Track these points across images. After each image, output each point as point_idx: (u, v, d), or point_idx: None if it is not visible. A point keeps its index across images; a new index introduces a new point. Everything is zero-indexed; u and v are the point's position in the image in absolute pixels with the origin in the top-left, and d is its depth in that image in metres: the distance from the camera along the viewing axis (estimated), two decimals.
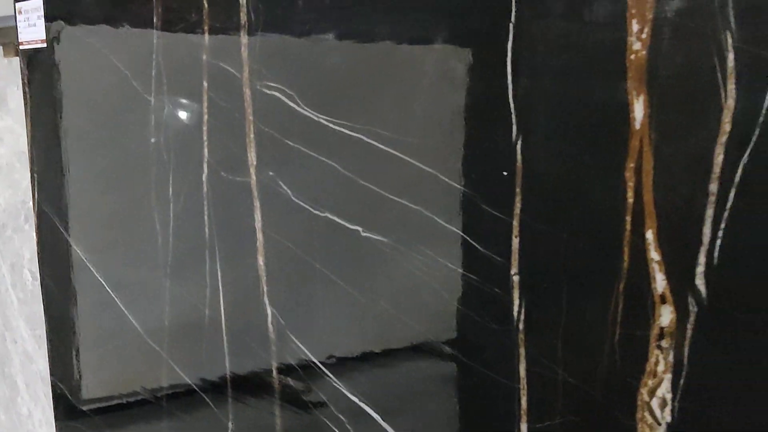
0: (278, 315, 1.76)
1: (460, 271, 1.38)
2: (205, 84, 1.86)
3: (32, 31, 2.48)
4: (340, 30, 1.56)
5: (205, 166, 1.90)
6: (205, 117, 1.88)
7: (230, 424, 1.92)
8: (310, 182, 1.66)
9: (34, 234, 3.09)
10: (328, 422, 1.65)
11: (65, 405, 2.55)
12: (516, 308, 1.31)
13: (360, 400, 1.58)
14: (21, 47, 2.54)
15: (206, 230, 1.92)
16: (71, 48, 2.33)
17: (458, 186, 1.37)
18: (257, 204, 1.77)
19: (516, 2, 1.26)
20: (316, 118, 1.61)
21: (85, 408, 2.47)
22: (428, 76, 1.41)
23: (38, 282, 3.29)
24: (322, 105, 1.61)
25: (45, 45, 2.41)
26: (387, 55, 1.48)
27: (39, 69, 2.50)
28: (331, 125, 1.59)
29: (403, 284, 1.49)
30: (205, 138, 1.89)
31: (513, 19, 1.27)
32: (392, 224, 1.50)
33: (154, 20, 1.99)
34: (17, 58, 3.16)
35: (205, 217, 1.92)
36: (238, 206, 1.82)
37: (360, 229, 1.55)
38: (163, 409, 2.12)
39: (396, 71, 1.47)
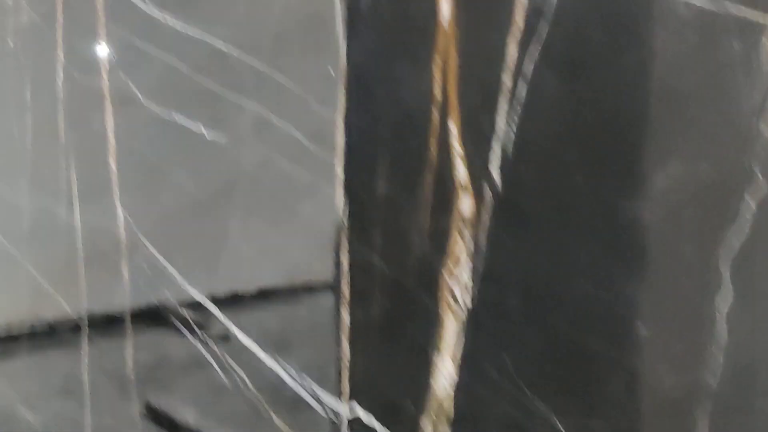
0: (133, 224, 1.78)
1: (290, 163, 1.44)
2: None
3: None
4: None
5: (60, 70, 1.89)
6: (61, 19, 1.87)
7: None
8: (158, 84, 1.68)
9: None
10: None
11: None
12: (341, 203, 1.37)
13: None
14: None
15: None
16: None
17: (291, 85, 1.42)
18: (109, 107, 1.78)
19: None
20: (162, 20, 1.63)
21: None
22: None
23: None
24: (170, 4, 1.62)
25: None
26: None
27: None
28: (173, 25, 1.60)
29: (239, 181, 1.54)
30: (60, 42, 1.88)
31: None
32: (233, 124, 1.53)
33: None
34: None
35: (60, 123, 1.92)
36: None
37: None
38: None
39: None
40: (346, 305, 1.38)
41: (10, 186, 2.12)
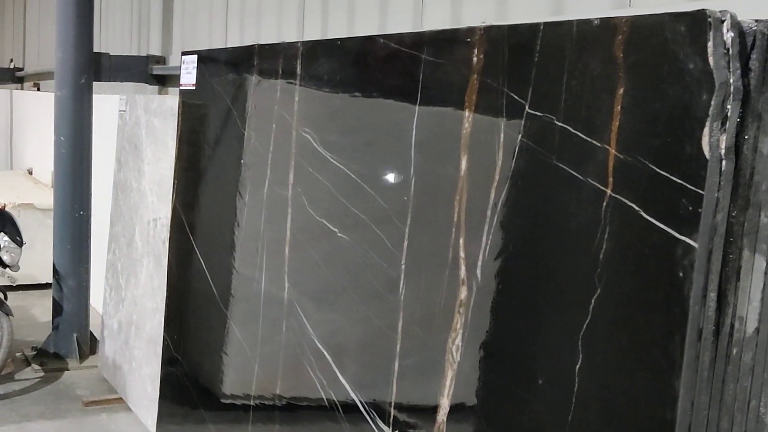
0: (292, 290, 2.54)
1: (375, 257, 2.11)
2: (274, 126, 2.71)
3: (189, 77, 3.45)
4: (344, 97, 2.35)
5: (266, 182, 2.74)
6: (270, 147, 2.72)
7: (256, 368, 2.72)
8: (317, 197, 2.44)
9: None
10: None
11: (168, 353, 3.46)
12: (401, 286, 2.02)
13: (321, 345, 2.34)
14: (180, 88, 3.52)
15: (261, 227, 2.75)
16: (206, 90, 3.27)
17: (385, 205, 2.11)
18: (289, 211, 2.58)
19: (420, 92, 2.00)
20: (323, 154, 2.40)
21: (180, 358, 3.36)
22: (376, 132, 2.17)
23: None
24: (327, 146, 2.40)
25: (194, 88, 3.38)
26: (360, 117, 2.25)
27: (187, 106, 3.47)
28: (331, 159, 2.37)
29: (353, 266, 2.24)
30: (269, 162, 2.73)
31: (419, 100, 2.00)
32: (354, 228, 2.25)
33: (253, 77, 2.87)
34: None
35: (262, 219, 2.75)
36: (280, 212, 2.63)
37: (337, 230, 2.32)
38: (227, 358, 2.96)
39: (362, 127, 2.23)
40: (397, 357, 2.01)
41: (228, 256, 2.98)
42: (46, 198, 6.39)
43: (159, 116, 4.26)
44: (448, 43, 1.91)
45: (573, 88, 1.56)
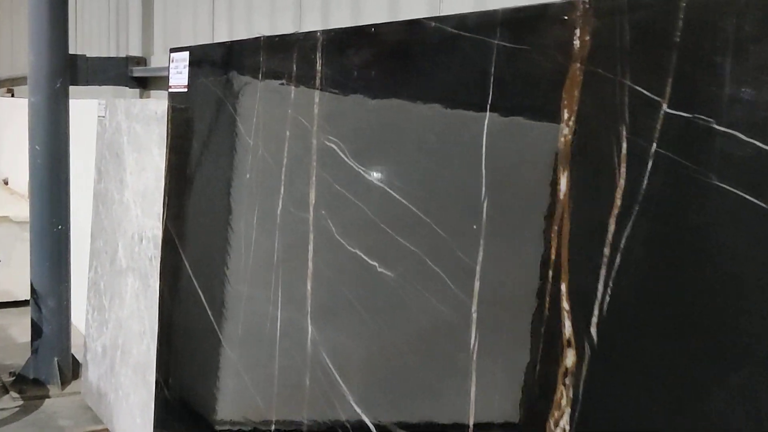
0: (316, 334, 2.07)
1: (437, 305, 1.65)
2: (288, 133, 2.24)
3: (179, 77, 2.98)
4: (380, 98, 1.88)
5: (279, 202, 2.26)
6: (285, 161, 2.25)
7: (273, 422, 2.25)
8: (348, 222, 1.97)
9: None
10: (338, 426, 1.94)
11: (162, 397, 2.98)
12: (473, 341, 1.56)
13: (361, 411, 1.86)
14: (169, 90, 3.04)
15: (275, 255, 2.28)
16: (201, 93, 2.79)
17: (444, 234, 1.64)
18: (311, 237, 2.10)
19: (492, 89, 1.54)
20: (356, 168, 1.93)
21: (175, 403, 2.88)
22: (431, 143, 1.70)
23: None
24: (360, 157, 1.93)
25: (186, 89, 2.90)
26: (407, 123, 1.78)
27: (178, 110, 2.99)
28: (365, 175, 1.90)
29: (402, 312, 1.77)
30: (283, 178, 2.26)
31: (490, 100, 1.54)
32: (398, 262, 1.78)
33: (259, 76, 2.40)
34: None
35: (275, 245, 2.28)
36: (299, 238, 2.16)
37: (377, 264, 1.85)
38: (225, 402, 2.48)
39: (411, 136, 1.77)
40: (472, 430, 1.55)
41: (234, 288, 2.50)
42: (23, 210, 6.09)
43: (142, 122, 3.92)
44: (533, 22, 1.45)
45: (742, 77, 1.10)
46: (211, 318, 2.63)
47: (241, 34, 3.81)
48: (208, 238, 2.71)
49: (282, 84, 2.28)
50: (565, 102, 1.37)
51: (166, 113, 3.07)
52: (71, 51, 5.04)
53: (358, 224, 1.92)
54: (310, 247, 2.10)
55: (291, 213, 2.21)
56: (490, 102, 1.54)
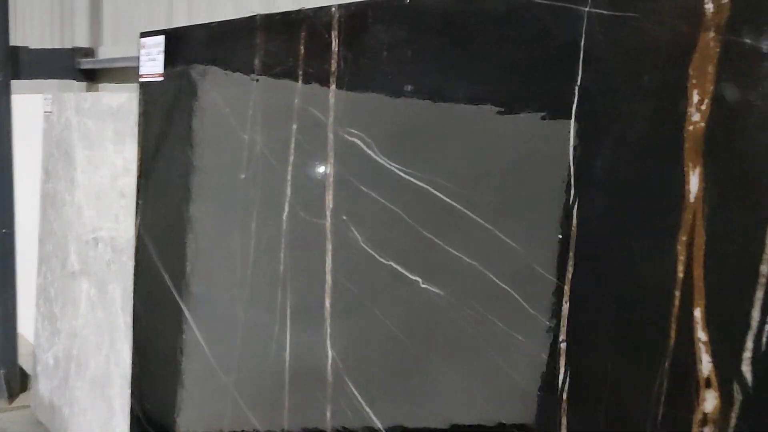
0: (338, 359, 1.77)
1: (509, 330, 1.36)
2: (294, 126, 1.92)
3: (152, 65, 2.63)
4: (417, 82, 1.58)
5: (286, 205, 1.95)
6: (291, 158, 1.94)
7: None
8: (378, 229, 1.67)
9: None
10: None
11: (140, 429, 2.64)
12: (561, 377, 1.27)
13: None
14: (141, 79, 2.70)
15: (281, 267, 1.96)
16: (181, 82, 2.45)
17: (513, 244, 1.36)
18: (329, 247, 1.80)
19: (582, 67, 1.25)
20: (388, 166, 1.63)
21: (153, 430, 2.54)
22: (493, 134, 1.41)
23: None
24: (394, 153, 1.63)
25: (162, 78, 2.55)
26: (458, 111, 1.49)
27: (153, 101, 2.64)
28: (401, 173, 1.60)
29: (453, 338, 1.48)
30: (289, 178, 1.94)
31: (579, 82, 1.26)
32: (448, 277, 1.49)
33: (255, 62, 2.08)
34: None
35: (281, 255, 1.96)
36: (312, 247, 1.85)
37: (420, 279, 1.55)
38: None
39: (465, 127, 1.47)
40: None
41: (228, 305, 2.18)
42: None
43: (94, 117, 3.66)
44: None
45: None
46: (200, 340, 2.30)
47: (201, 17, 3.47)
48: (193, 248, 2.38)
49: (285, 69, 1.96)
50: (694, 81, 1.09)
51: (138, 106, 2.73)
52: (12, 43, 4.77)
53: (392, 231, 1.63)
54: (328, 259, 1.80)
55: (301, 219, 1.90)
56: (579, 84, 1.25)
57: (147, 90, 2.67)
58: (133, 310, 2.75)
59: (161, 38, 2.58)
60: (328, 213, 1.80)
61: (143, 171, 2.70)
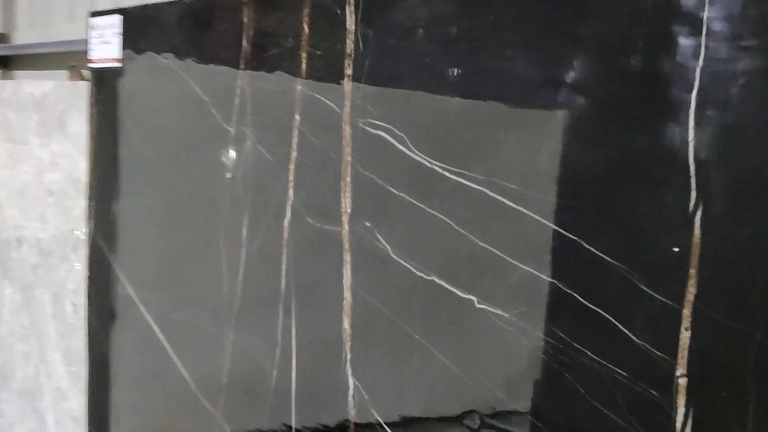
0: (362, 389, 1.51)
1: (605, 363, 1.13)
2: (297, 117, 1.66)
3: (106, 49, 2.31)
4: (466, 65, 1.34)
5: (288, 209, 1.68)
6: (294, 154, 1.67)
7: None
8: (415, 238, 1.42)
9: (81, 266, 2.90)
10: None
11: None
12: (680, 419, 1.05)
13: None
14: (91, 65, 2.37)
15: (282, 281, 1.69)
16: (146, 68, 2.15)
17: (609, 259, 1.13)
18: (348, 258, 1.54)
19: (705, 46, 1.03)
20: (429, 165, 1.39)
21: None
22: (575, 126, 1.18)
23: (80, 315, 3.13)
24: (438, 150, 1.38)
25: (119, 64, 2.24)
26: (523, 98, 1.26)
27: (109, 90, 2.32)
28: (447, 174, 1.36)
29: (525, 371, 1.24)
30: (291, 177, 1.68)
31: (701, 63, 1.03)
32: (515, 296, 1.25)
33: (243, 43, 1.80)
34: (82, 83, 3.01)
35: (283, 267, 1.69)
36: (325, 259, 1.59)
37: (475, 298, 1.31)
38: None
39: (533, 117, 1.24)
40: None
41: (212, 323, 1.91)
42: None
43: (15, 107, 3.32)
44: None
45: None
46: (176, 361, 2.01)
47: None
48: (164, 257, 2.08)
49: (283, 52, 1.69)
50: None
51: (89, 94, 2.40)
52: None
53: (434, 241, 1.38)
54: (347, 272, 1.54)
55: (308, 226, 1.63)
56: (703, 55, 1.03)
57: (101, 77, 2.35)
58: (88, 327, 2.43)
59: (117, 18, 2.26)
60: (345, 218, 1.54)
61: (96, 169, 2.37)
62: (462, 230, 1.33)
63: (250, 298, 1.79)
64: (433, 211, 1.38)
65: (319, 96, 1.61)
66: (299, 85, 1.65)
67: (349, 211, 1.54)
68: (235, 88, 1.82)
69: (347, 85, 1.54)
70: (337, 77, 1.56)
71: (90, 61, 2.38)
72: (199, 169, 1.94)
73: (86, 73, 3.26)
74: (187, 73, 1.98)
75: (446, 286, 1.35)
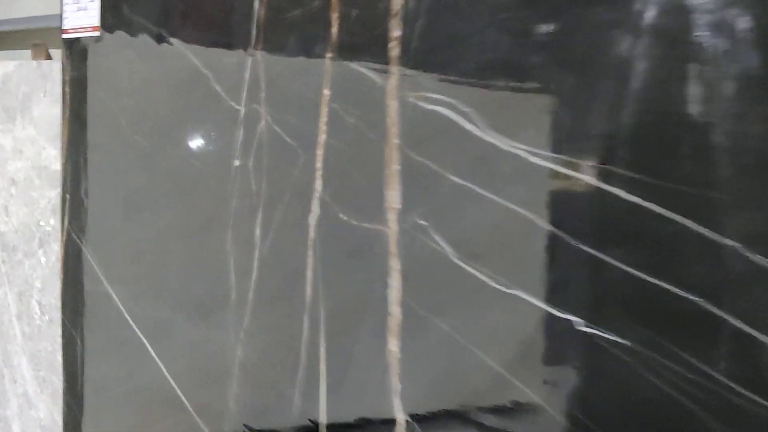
0: (416, 425, 1.23)
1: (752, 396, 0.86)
2: (326, 92, 1.36)
3: (82, 16, 1.99)
4: (556, 20, 1.05)
5: (315, 204, 1.39)
6: (322, 137, 1.37)
7: None
8: (486, 239, 1.14)
9: (46, 262, 2.62)
10: None
11: None
12: None
13: None
14: (65, 35, 2.05)
15: (308, 290, 1.40)
16: (130, 38, 1.83)
17: None
18: (395, 264, 1.25)
19: None
20: (506, 147, 1.10)
21: None
22: (725, 101, 0.90)
23: (47, 317, 2.84)
24: (517, 128, 1.10)
25: (98, 33, 1.92)
26: (634, 60, 0.97)
27: (86, 65, 2.01)
28: (531, 158, 1.07)
29: (646, 412, 0.97)
30: (318, 165, 1.38)
31: None
32: (635, 318, 0.97)
33: (255, 4, 1.49)
34: (47, 62, 2.70)
35: (308, 273, 1.40)
36: (364, 264, 1.30)
37: (574, 319, 1.03)
38: None
39: (663, 90, 0.96)
40: None
41: (215, 335, 1.61)
42: None
43: None
44: None
45: None
46: (169, 379, 1.71)
47: None
48: (155, 258, 1.77)
49: (307, 13, 1.39)
50: None
51: (62, 71, 2.07)
52: None
53: (515, 245, 1.10)
54: (394, 282, 1.25)
55: (342, 223, 1.34)
56: None
57: (76, 50, 2.02)
58: (63, 335, 2.12)
59: None
60: (392, 215, 1.25)
61: (72, 156, 2.05)
62: (555, 230, 1.05)
63: (265, 308, 1.49)
64: (510, 205, 1.09)
65: (355, 65, 1.31)
66: (329, 53, 1.35)
67: (396, 206, 1.25)
68: (246, 59, 1.52)
69: (394, 49, 1.24)
70: (379, 41, 1.27)
71: (64, 31, 2.06)
72: (200, 156, 1.63)
73: (53, 51, 2.93)
74: (183, 42, 1.67)
75: (535, 302, 1.07)
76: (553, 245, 1.05)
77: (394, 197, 1.25)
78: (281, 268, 1.46)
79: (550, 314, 1.05)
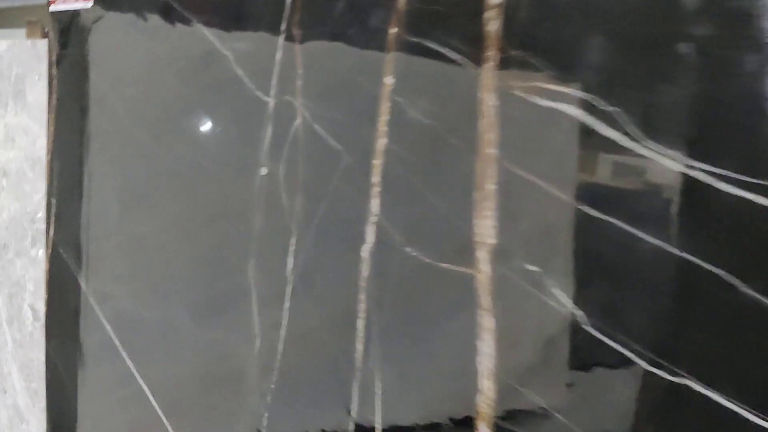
0: None
1: None
2: (388, 81, 1.00)
3: None
4: None
5: (369, 231, 1.03)
6: (382, 141, 1.02)
7: None
8: (629, 298, 0.78)
9: (42, 263, 2.40)
10: None
11: None
12: None
13: None
14: (52, 8, 1.70)
15: (358, 346, 1.05)
16: (131, 11, 1.48)
17: None
18: (488, 322, 0.89)
19: None
20: (673, 165, 0.75)
21: None
22: None
23: (40, 323, 2.60)
24: (689, 138, 0.74)
25: (90, 3, 1.57)
26: None
27: (77, 45, 1.66)
28: (718, 184, 0.72)
29: None
30: (375, 179, 1.02)
31: None
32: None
33: None
34: (43, 41, 2.40)
35: (360, 322, 1.04)
36: (440, 319, 0.94)
37: (755, 414, 0.68)
38: None
39: None
40: None
41: (241, 406, 1.27)
42: None
43: None
44: None
45: None
46: (159, 414, 1.37)
47: None
48: (157, 284, 1.42)
49: None
50: None
51: (49, 51, 1.73)
52: None
53: (655, 291, 0.75)
54: (485, 346, 0.90)
55: (408, 259, 0.98)
56: None
57: (65, 25, 1.68)
58: (47, 360, 1.79)
59: None
60: (483, 254, 0.90)
61: (58, 154, 1.71)
62: (751, 292, 0.69)
63: (298, 364, 1.14)
64: (687, 256, 0.74)
65: (431, 44, 0.95)
66: (393, 26, 1.00)
67: (491, 241, 0.89)
68: (277, 40, 1.16)
69: (491, 21, 0.89)
70: (469, 11, 0.91)
71: (51, 2, 1.71)
72: (216, 159, 1.28)
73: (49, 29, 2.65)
74: (197, 16, 1.32)
75: (702, 390, 0.72)
76: (709, 288, 0.69)
77: (487, 229, 0.89)
78: (319, 310, 1.11)
79: (687, 386, 0.70)
